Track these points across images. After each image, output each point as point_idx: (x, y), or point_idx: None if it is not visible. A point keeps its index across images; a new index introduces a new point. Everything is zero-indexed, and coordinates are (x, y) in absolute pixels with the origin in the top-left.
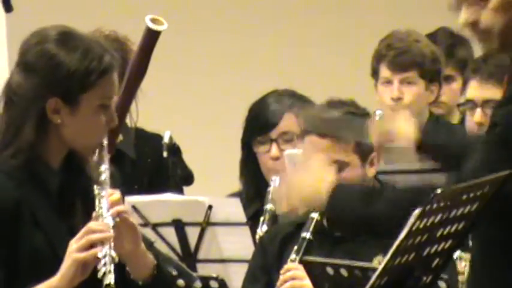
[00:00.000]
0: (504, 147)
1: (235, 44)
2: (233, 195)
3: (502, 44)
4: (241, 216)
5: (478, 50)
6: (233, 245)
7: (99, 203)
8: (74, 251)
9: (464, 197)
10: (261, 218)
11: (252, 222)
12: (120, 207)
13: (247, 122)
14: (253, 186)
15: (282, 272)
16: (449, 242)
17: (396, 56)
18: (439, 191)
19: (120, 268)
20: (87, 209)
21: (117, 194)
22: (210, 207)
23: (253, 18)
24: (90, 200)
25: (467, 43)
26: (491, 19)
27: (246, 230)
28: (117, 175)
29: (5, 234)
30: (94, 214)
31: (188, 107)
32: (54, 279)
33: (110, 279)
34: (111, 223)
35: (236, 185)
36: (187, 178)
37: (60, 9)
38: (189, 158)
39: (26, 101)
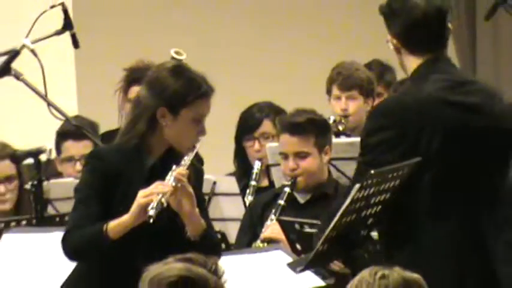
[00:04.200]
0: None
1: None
2: (230, 174)
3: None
4: (236, 189)
5: (400, 75)
6: (230, 209)
7: (171, 174)
8: (139, 197)
9: (390, 175)
10: (247, 191)
11: (242, 193)
12: (181, 176)
13: (238, 125)
14: (243, 169)
15: (264, 228)
16: (379, 207)
17: (344, 79)
18: (372, 171)
19: (180, 229)
20: None
21: (184, 170)
22: (214, 182)
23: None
24: None
25: (392, 70)
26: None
27: (239, 199)
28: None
29: (105, 188)
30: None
31: None
32: (125, 216)
33: (153, 212)
34: (171, 183)
35: (232, 167)
36: (199, 162)
37: (118, 46)
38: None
39: (144, 107)
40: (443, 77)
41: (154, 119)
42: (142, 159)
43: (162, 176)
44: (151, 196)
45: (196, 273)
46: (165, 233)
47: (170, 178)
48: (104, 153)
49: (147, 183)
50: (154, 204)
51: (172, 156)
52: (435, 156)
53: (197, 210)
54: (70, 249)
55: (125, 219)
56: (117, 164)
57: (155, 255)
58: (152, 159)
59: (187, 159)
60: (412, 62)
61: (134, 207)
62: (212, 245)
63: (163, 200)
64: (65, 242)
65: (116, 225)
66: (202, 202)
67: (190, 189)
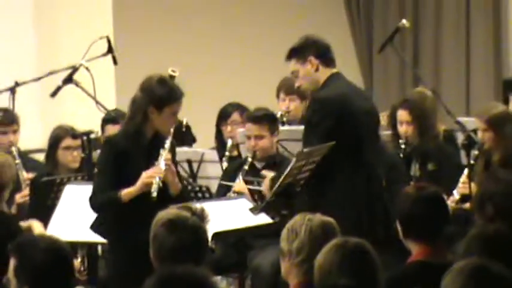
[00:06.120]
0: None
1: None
2: (213, 148)
3: None
4: (217, 158)
5: None
6: (213, 171)
7: (160, 157)
8: (143, 178)
9: (314, 153)
10: (223, 159)
11: (220, 160)
12: (168, 161)
13: (218, 116)
14: (220, 144)
15: (234, 185)
16: (308, 173)
17: (288, 87)
18: (303, 150)
19: (165, 190)
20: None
21: (168, 155)
22: (203, 153)
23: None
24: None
25: None
26: None
27: (218, 164)
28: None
29: (115, 163)
30: (156, 162)
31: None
32: (132, 188)
33: (155, 193)
34: (163, 167)
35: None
36: (193, 140)
37: (145, 64)
38: (196, 132)
39: (139, 105)
40: (348, 85)
41: (146, 114)
42: (140, 141)
43: (153, 152)
44: (151, 178)
45: (179, 216)
46: (158, 195)
47: (161, 162)
48: (114, 138)
49: (145, 157)
50: (155, 188)
51: (158, 137)
52: (347, 135)
53: (177, 179)
54: (96, 206)
55: (133, 190)
56: (124, 145)
57: (153, 208)
58: (146, 140)
59: (168, 143)
60: (324, 74)
61: (139, 183)
62: (185, 196)
63: (159, 181)
64: (91, 201)
65: (126, 193)
66: (177, 169)
67: (173, 168)
